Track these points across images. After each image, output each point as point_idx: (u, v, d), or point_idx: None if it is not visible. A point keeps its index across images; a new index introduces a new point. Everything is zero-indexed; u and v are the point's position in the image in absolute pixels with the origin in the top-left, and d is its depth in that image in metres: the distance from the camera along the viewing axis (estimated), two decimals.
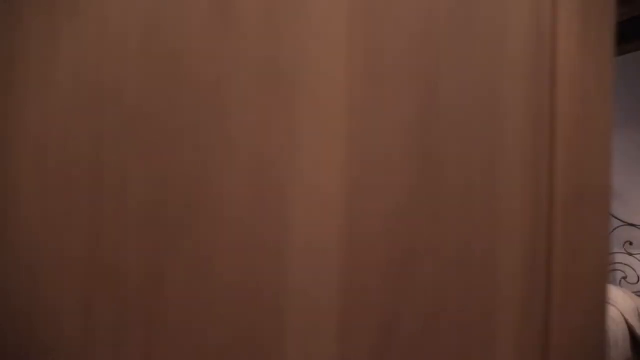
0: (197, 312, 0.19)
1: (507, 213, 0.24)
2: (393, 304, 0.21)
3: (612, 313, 2.49)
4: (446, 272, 0.23)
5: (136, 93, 0.21)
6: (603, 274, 0.26)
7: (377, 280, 0.21)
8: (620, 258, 2.83)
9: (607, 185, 0.26)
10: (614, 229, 2.85)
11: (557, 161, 0.25)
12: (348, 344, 0.20)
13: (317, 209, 0.21)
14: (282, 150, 0.21)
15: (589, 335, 0.25)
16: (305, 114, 0.21)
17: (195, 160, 0.20)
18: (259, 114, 0.21)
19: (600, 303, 0.26)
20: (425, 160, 0.23)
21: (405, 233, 0.22)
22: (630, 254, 2.75)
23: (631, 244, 2.76)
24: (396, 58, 0.22)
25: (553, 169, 0.25)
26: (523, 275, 0.24)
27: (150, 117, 0.21)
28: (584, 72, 0.26)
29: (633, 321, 2.52)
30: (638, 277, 2.71)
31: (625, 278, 2.79)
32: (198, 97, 0.20)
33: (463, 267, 0.23)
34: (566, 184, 0.25)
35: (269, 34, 0.21)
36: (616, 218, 2.84)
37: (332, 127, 0.21)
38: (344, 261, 0.21)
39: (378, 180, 0.22)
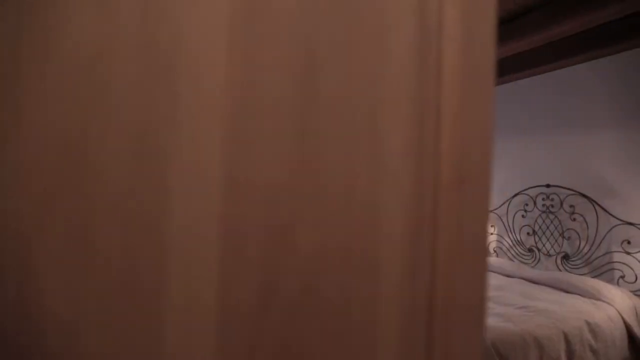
0: (80, 232, 0.22)
1: (391, 194, 0.27)
2: (273, 268, 0.24)
3: (610, 312, 2.48)
4: (328, 242, 0.26)
5: (8, 65, 0.23)
6: (484, 248, 0.30)
7: (257, 245, 0.23)
8: (618, 257, 2.81)
9: (488, 169, 0.30)
10: (612, 228, 2.84)
11: (441, 149, 0.28)
12: (229, 299, 0.23)
13: (197, 176, 0.23)
14: (163, 120, 0.23)
15: (469, 297, 0.29)
16: (185, 87, 0.24)
17: (76, 116, 0.23)
18: (139, 86, 0.23)
19: (481, 274, 0.30)
20: (304, 139, 0.25)
21: (285, 204, 0.25)
22: (628, 253, 2.73)
23: (629, 242, 2.74)
24: (275, 41, 0.25)
25: (439, 155, 0.28)
26: (407, 248, 0.27)
27: (23, 86, 0.23)
28: (466, 67, 0.29)
29: (631, 320, 2.51)
30: (636, 276, 2.69)
31: (623, 277, 2.77)
32: (76, 70, 0.23)
33: (345, 240, 0.26)
34: (450, 168, 0.28)
35: (147, 9, 0.23)
36: (614, 217, 2.83)
37: (211, 101, 0.23)
38: (224, 225, 0.23)
39: (257, 154, 0.24)
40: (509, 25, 2.75)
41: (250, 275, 0.23)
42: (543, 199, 3.32)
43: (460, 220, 0.28)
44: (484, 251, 0.29)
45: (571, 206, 3.10)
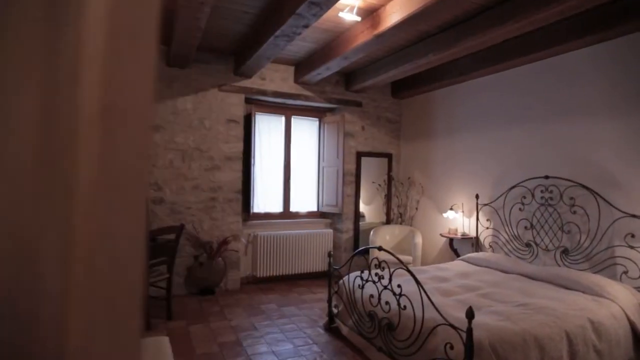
0: None
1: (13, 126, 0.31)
2: None
3: (613, 309, 2.33)
4: None
5: None
6: (141, 170, 0.35)
7: None
8: (620, 251, 2.67)
9: (144, 99, 0.34)
10: (615, 221, 2.69)
11: (82, 82, 0.31)
12: None
13: None
14: None
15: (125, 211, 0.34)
16: None
17: None
18: None
19: (137, 199, 0.34)
20: None
21: None
22: (632, 247, 2.59)
23: (633, 236, 2.60)
24: None
25: (74, 95, 0.31)
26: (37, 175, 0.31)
27: None
28: (117, 19, 0.32)
29: (635, 318, 2.36)
30: None
31: (626, 272, 2.63)
32: None
33: None
34: (92, 103, 0.31)
35: None
36: (617, 209, 2.68)
37: None
38: None
39: None
40: (508, 3, 2.58)
41: None
42: (542, 191, 3.18)
43: (108, 142, 0.32)
44: (140, 175, 0.34)
45: (571, 198, 2.95)
